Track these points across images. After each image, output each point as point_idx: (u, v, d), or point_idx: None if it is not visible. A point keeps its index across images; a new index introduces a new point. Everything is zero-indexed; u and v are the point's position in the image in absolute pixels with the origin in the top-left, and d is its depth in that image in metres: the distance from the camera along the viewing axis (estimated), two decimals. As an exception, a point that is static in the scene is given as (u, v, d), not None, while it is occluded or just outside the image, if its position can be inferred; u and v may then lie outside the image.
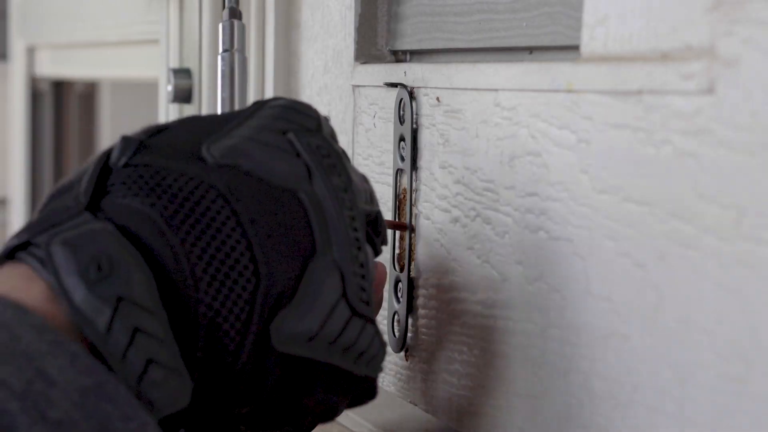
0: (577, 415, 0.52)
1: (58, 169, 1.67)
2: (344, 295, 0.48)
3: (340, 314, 0.48)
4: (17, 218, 1.63)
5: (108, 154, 0.47)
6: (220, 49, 0.63)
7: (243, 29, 0.63)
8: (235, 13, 0.63)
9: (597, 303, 0.50)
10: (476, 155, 0.59)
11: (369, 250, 0.51)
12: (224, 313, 0.45)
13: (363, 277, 0.49)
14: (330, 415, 0.51)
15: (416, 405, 0.66)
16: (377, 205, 0.54)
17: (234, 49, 0.62)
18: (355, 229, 0.49)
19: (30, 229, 0.44)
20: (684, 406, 0.45)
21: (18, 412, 0.38)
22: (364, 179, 0.53)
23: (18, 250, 0.44)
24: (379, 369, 0.52)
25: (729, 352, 0.43)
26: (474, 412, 0.60)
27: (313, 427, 0.52)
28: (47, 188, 1.58)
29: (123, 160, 0.47)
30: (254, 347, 0.46)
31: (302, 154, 0.49)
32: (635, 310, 0.48)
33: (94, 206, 0.45)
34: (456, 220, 0.62)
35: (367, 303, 0.49)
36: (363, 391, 0.52)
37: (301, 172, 0.49)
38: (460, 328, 0.61)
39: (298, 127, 0.50)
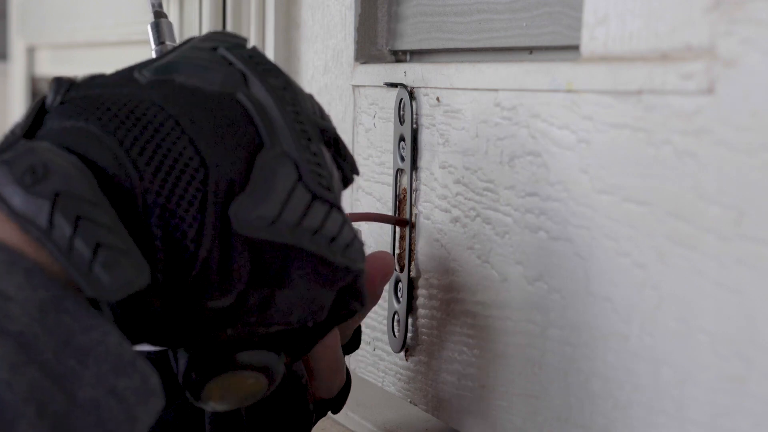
0: (577, 415, 0.52)
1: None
2: (300, 179, 0.48)
3: (300, 197, 0.47)
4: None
5: (44, 98, 0.48)
6: (153, 45, 0.65)
7: (170, 26, 0.66)
8: (160, 15, 0.66)
9: (597, 303, 0.50)
10: (476, 155, 0.59)
11: (325, 150, 0.50)
12: (176, 199, 0.45)
13: (319, 165, 0.49)
14: (318, 311, 0.49)
15: (416, 405, 0.66)
16: (332, 125, 0.52)
17: (166, 43, 0.65)
18: (301, 122, 0.49)
19: None
20: (684, 406, 0.45)
21: None
22: (311, 97, 0.52)
23: None
24: (359, 261, 0.50)
25: (729, 352, 0.43)
26: (474, 412, 0.60)
27: (304, 332, 0.50)
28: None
29: (58, 99, 0.47)
30: (215, 232, 0.46)
31: (235, 63, 0.49)
32: (635, 310, 0.48)
33: (30, 136, 0.46)
34: (456, 220, 0.62)
35: (329, 189, 0.48)
36: (347, 288, 0.50)
37: (237, 78, 0.49)
38: (460, 328, 0.61)
39: (228, 43, 0.51)
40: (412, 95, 0.65)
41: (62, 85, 0.48)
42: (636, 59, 0.48)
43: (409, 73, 0.66)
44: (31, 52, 1.60)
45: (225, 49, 0.50)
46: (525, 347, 0.56)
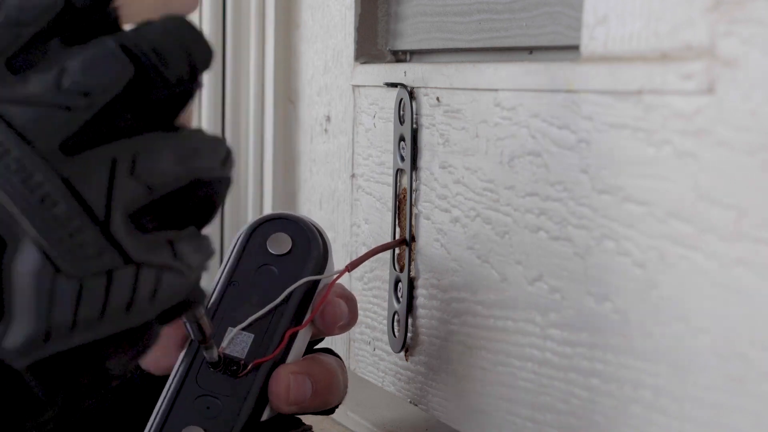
0: (578, 415, 0.52)
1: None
2: (56, 270, 0.38)
3: (63, 291, 0.38)
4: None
5: None
6: None
7: None
8: None
9: (597, 303, 0.50)
10: (476, 155, 0.59)
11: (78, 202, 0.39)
12: None
13: (72, 235, 0.38)
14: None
15: (416, 405, 0.66)
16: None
17: None
18: (32, 187, 0.38)
19: None
20: (684, 406, 0.45)
21: None
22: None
23: None
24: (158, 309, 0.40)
25: (729, 352, 0.43)
26: (474, 412, 0.60)
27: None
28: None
29: None
30: None
31: None
32: (635, 310, 0.48)
33: None
34: (456, 220, 0.62)
35: (100, 253, 0.38)
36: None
37: None
38: (460, 328, 0.61)
39: None
40: (412, 95, 0.65)
41: None
42: (636, 59, 0.48)
43: (409, 73, 0.66)
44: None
45: None
46: (525, 347, 0.56)
